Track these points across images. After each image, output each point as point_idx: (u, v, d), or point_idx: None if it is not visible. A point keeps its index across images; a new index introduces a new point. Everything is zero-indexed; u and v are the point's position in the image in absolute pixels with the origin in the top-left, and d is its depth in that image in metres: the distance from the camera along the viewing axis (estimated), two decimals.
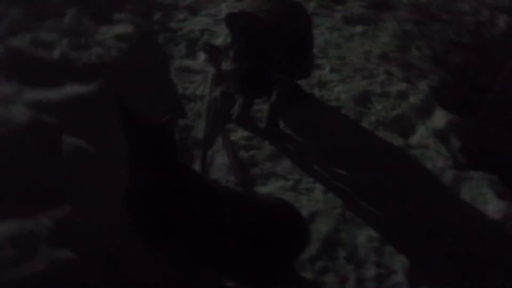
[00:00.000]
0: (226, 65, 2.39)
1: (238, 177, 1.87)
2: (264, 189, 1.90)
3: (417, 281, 1.63)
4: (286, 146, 2.18)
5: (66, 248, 1.25)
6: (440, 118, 2.53)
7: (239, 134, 2.20)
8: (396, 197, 1.98)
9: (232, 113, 2.26)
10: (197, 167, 1.91)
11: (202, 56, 2.74)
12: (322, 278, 1.57)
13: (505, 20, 4.06)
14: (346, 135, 2.33)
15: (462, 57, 3.42)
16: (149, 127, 1.18)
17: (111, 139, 1.77)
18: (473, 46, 3.67)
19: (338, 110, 2.53)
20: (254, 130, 2.24)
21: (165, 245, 1.21)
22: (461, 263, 1.69)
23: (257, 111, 2.34)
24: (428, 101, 2.70)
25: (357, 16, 3.78)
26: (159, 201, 1.16)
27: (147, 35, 2.56)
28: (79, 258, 1.24)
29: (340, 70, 2.93)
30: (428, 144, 2.32)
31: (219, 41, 2.92)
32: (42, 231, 1.26)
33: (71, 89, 1.77)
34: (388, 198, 1.97)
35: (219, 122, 2.21)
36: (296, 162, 2.08)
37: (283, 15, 1.80)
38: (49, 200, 1.38)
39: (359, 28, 3.57)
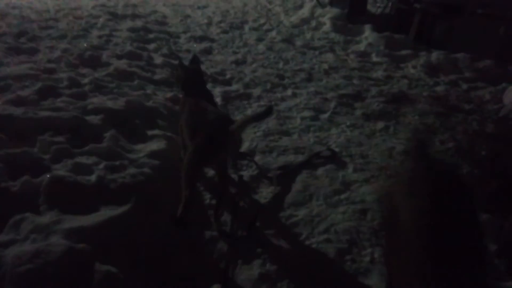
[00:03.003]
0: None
1: None
2: None
3: None
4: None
5: None
6: None
7: None
8: None
9: None
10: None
11: None
12: None
13: None
14: (372, 241, 2.29)
15: (488, 148, 3.40)
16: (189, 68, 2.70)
17: (140, 262, 1.85)
18: (498, 135, 3.67)
19: (364, 213, 2.52)
20: None
21: None
22: None
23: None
24: None
25: (377, 112, 3.93)
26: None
27: (177, 148, 2.74)
28: None
29: (363, 169, 2.98)
30: None
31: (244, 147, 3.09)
32: None
33: (105, 214, 1.89)
34: None
35: None
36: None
37: None
38: None
39: (380, 125, 3.68)
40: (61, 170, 2.10)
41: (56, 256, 1.57)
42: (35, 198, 1.92)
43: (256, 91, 4.17)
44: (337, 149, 3.19)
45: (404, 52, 5.60)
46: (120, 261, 1.72)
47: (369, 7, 7.52)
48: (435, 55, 5.37)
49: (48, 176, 1.98)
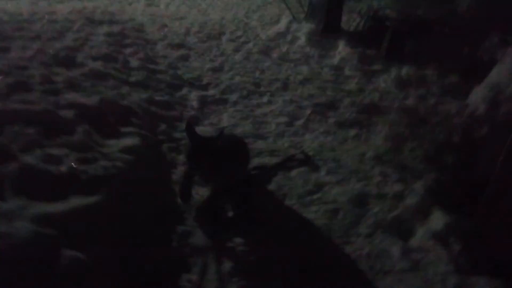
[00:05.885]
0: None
1: None
2: None
3: None
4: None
5: None
6: (438, 219, 2.53)
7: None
8: None
9: None
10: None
11: None
12: None
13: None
14: (344, 238, 2.33)
15: (454, 157, 3.53)
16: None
17: (110, 249, 1.81)
18: (463, 145, 3.81)
19: (336, 212, 2.56)
20: None
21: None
22: None
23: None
24: (424, 202, 2.74)
25: (349, 121, 4.02)
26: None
27: (152, 146, 2.72)
28: None
29: (336, 172, 3.03)
30: (428, 247, 2.30)
31: None
32: None
33: (74, 202, 1.84)
34: None
35: None
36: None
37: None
38: None
39: (352, 132, 3.77)
40: (30, 159, 2.05)
41: (21, 240, 1.52)
42: (0, 185, 1.86)
43: (233, 97, 4.21)
44: (310, 153, 3.24)
45: (375, 66, 5.78)
46: (89, 249, 1.68)
47: (342, 24, 7.75)
48: (405, 70, 5.57)
49: (17, 163, 1.92)
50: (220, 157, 2.10)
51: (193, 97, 4.01)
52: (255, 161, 3.01)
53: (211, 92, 4.27)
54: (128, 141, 2.59)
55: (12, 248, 1.48)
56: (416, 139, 3.81)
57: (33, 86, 3.05)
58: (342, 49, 6.33)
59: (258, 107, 4.11)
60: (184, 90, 4.18)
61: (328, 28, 7.03)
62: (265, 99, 4.32)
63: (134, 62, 4.54)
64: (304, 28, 7.27)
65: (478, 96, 4.01)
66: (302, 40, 6.90)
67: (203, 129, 2.43)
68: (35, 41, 4.64)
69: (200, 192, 2.54)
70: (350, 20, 7.57)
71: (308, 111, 4.08)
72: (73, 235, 1.67)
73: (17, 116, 2.47)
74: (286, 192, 2.71)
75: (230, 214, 2.48)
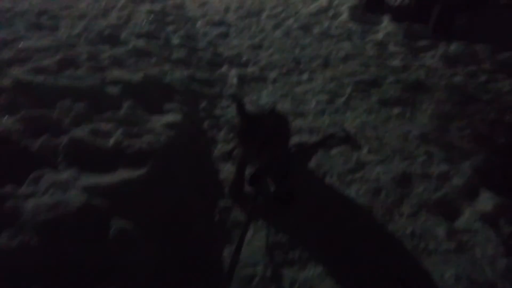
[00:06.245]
0: None
1: None
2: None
3: None
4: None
5: None
6: (487, 200, 2.43)
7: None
8: (443, 286, 1.87)
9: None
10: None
11: None
12: None
13: None
14: (387, 217, 2.29)
15: (507, 137, 3.35)
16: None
17: (155, 220, 1.87)
18: None
19: (378, 192, 2.51)
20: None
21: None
22: None
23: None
24: (472, 182, 2.63)
25: (393, 99, 3.88)
26: None
27: (193, 122, 2.76)
28: None
29: (378, 151, 2.96)
30: (475, 229, 2.22)
31: None
32: None
33: (122, 174, 1.91)
34: (433, 285, 1.87)
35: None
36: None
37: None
38: (93, 280, 1.45)
39: (396, 110, 3.64)
40: (80, 132, 2.14)
41: (74, 208, 1.60)
42: (54, 156, 1.96)
43: (272, 74, 4.17)
44: (352, 131, 3.17)
45: (422, 42, 5.51)
46: (136, 220, 1.74)
47: None
48: (454, 46, 5.28)
49: (68, 137, 2.01)
50: (268, 134, 2.08)
51: (233, 74, 4.00)
52: (295, 139, 2.99)
53: (250, 69, 4.25)
54: (170, 117, 2.64)
55: (66, 216, 1.56)
56: (465, 118, 3.63)
57: (81, 63, 3.16)
58: (386, 24, 6.08)
59: (298, 84, 4.05)
60: (224, 68, 4.18)
61: (372, 2, 6.75)
62: (305, 76, 4.25)
63: (175, 40, 4.59)
64: (347, 3, 7.02)
65: None
66: (344, 15, 6.68)
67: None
68: (81, 19, 4.78)
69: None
70: None
71: (350, 89, 3.98)
72: (121, 206, 1.74)
73: (67, 91, 2.58)
74: (326, 170, 2.68)
75: (271, 190, 2.49)
